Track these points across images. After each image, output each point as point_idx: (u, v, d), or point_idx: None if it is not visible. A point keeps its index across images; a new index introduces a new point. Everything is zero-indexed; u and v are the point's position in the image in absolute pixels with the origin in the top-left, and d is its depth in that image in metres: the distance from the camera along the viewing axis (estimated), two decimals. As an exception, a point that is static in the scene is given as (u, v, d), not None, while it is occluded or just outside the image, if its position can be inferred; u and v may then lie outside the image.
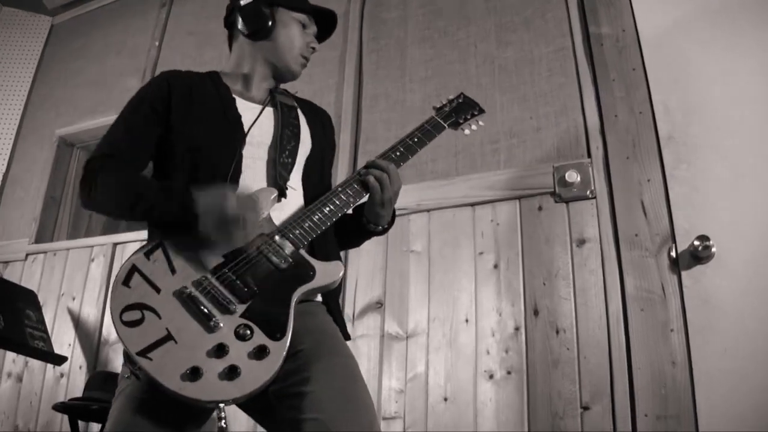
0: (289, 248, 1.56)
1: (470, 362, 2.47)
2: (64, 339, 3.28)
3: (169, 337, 1.37)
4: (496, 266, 2.57)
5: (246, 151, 1.71)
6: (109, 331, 3.14)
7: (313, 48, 1.91)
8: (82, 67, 3.96)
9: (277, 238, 1.56)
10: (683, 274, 2.28)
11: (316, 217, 1.62)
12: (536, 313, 2.44)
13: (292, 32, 1.87)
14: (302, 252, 1.57)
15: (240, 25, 1.87)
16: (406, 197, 2.73)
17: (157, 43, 3.66)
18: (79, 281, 3.34)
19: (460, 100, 1.98)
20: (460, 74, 2.99)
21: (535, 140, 2.70)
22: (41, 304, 3.06)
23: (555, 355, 2.35)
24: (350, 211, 1.71)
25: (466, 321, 2.54)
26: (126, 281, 1.45)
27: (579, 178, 2.52)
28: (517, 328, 2.45)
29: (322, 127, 1.96)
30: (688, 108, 2.49)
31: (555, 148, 2.65)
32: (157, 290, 1.44)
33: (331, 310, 1.70)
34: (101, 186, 1.59)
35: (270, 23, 1.84)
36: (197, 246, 1.51)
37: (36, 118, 3.88)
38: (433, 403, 2.48)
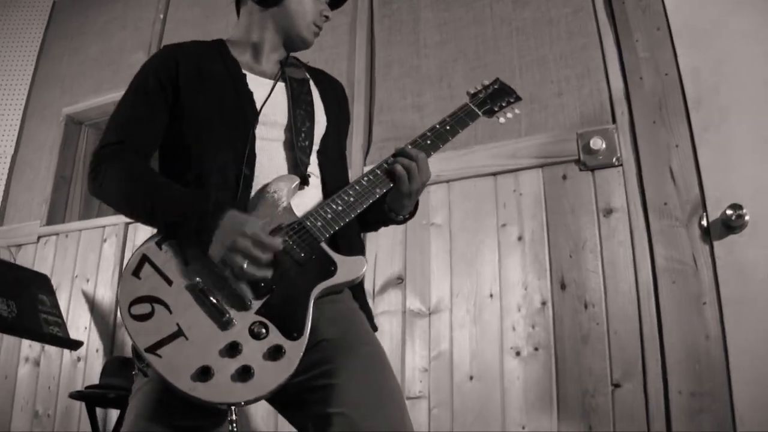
0: (309, 241, 1.47)
1: (496, 339, 2.40)
2: (80, 322, 3.24)
3: (179, 333, 1.31)
4: (520, 238, 2.48)
5: (259, 132, 1.61)
6: (125, 313, 3.08)
7: (326, 16, 1.79)
8: (86, 43, 3.85)
9: (296, 230, 1.48)
10: (715, 244, 2.18)
11: (339, 207, 1.52)
12: (563, 287, 2.35)
13: (305, 2, 1.76)
14: (323, 245, 1.48)
15: None
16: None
17: (161, 16, 3.55)
18: (92, 263, 3.28)
19: (496, 86, 1.84)
20: (476, 38, 2.87)
21: (557, 105, 2.59)
22: (55, 287, 3.02)
23: (584, 330, 2.27)
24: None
25: (491, 296, 2.46)
26: (136, 272, 1.37)
27: (604, 145, 2.42)
28: (543, 303, 2.37)
29: (336, 99, 1.86)
30: (716, 68, 2.37)
31: (578, 114, 2.54)
32: (169, 282, 1.37)
33: (356, 296, 1.61)
34: (111, 186, 1.51)
35: None
36: (213, 236, 1.42)
37: (42, 97, 3.80)
38: (459, 382, 2.41)
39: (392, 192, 1.61)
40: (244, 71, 1.68)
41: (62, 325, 2.89)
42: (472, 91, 1.82)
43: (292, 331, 1.34)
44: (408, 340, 2.54)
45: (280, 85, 1.70)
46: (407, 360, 2.52)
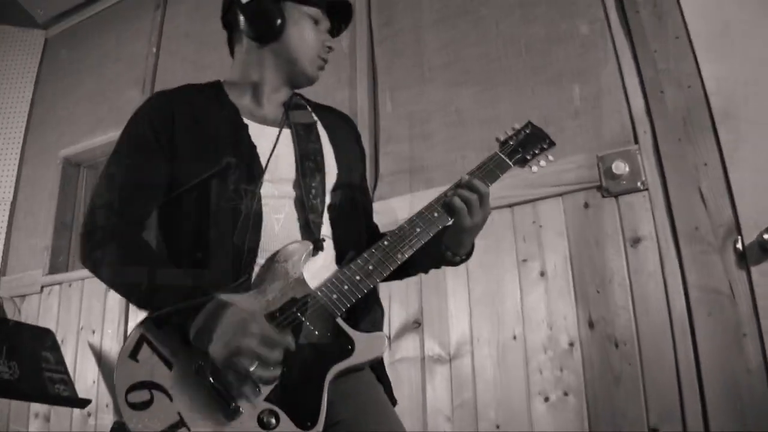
0: (324, 317, 1.33)
1: (522, 384, 2.24)
2: (87, 376, 3.13)
3: (181, 424, 1.19)
4: (542, 274, 2.32)
5: (265, 190, 1.46)
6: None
7: (330, 47, 1.64)
8: (80, 80, 3.74)
9: (310, 304, 1.33)
10: (753, 269, 2.01)
11: (357, 276, 1.38)
12: (591, 325, 2.19)
13: (305, 30, 1.59)
14: (339, 321, 1.34)
15: (243, 26, 1.59)
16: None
17: (154, 50, 3.42)
18: (97, 313, 3.17)
19: (527, 131, 1.68)
20: (483, 58, 2.70)
21: (575, 128, 2.42)
22: (60, 340, 2.90)
23: (616, 372, 2.11)
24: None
25: (514, 338, 2.30)
26: (134, 354, 1.26)
27: (627, 169, 2.25)
28: (571, 344, 2.20)
29: (347, 138, 1.70)
30: (744, 78, 2.20)
31: (597, 135, 2.37)
32: (169, 366, 1.25)
33: (374, 367, 1.46)
34: (106, 274, 1.39)
35: (279, 22, 1.57)
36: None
37: (38, 140, 3.70)
38: (485, 429, 2.26)
39: (451, 227, 1.47)
40: (245, 120, 1.53)
41: (69, 383, 2.77)
42: (502, 138, 1.65)
43: (305, 420, 1.22)
44: (429, 388, 2.39)
45: (285, 133, 1.55)
46: (428, 410, 2.36)
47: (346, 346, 1.32)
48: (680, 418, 1.99)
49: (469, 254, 1.59)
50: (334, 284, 1.37)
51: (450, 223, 1.47)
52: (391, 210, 2.60)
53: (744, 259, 2.03)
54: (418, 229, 1.44)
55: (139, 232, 1.44)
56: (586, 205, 2.30)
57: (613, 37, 2.46)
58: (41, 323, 3.11)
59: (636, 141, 2.29)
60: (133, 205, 1.44)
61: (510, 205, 2.43)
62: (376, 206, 2.58)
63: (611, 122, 2.36)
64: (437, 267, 1.65)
